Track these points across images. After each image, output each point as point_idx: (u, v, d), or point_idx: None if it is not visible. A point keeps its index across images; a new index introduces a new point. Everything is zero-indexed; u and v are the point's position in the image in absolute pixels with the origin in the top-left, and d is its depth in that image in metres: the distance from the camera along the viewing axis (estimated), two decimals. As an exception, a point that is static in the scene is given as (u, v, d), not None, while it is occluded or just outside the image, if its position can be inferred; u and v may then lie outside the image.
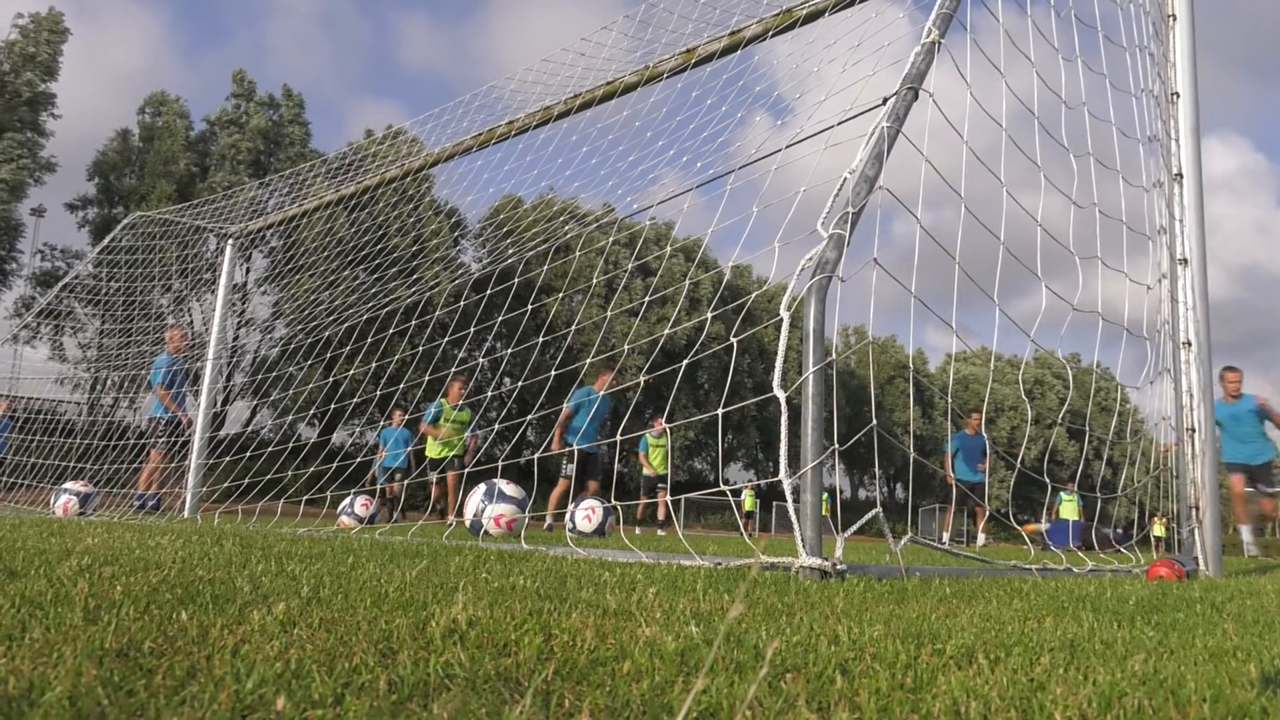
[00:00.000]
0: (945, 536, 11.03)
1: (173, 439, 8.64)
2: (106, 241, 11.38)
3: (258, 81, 36.51)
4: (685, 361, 4.27)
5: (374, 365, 8.51)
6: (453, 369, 9.82)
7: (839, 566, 2.57)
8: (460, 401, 9.92)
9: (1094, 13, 4.95)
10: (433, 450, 9.91)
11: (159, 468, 8.50)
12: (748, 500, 27.18)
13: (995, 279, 3.78)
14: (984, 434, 10.99)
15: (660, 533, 11.32)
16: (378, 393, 9.03)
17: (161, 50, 78.81)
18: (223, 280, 10.75)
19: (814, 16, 6.00)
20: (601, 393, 8.92)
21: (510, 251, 8.85)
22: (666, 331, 7.02)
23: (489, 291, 7.08)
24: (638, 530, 11.39)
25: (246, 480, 7.09)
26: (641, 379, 5.19)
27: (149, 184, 31.83)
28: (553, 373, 5.26)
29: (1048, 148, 4.49)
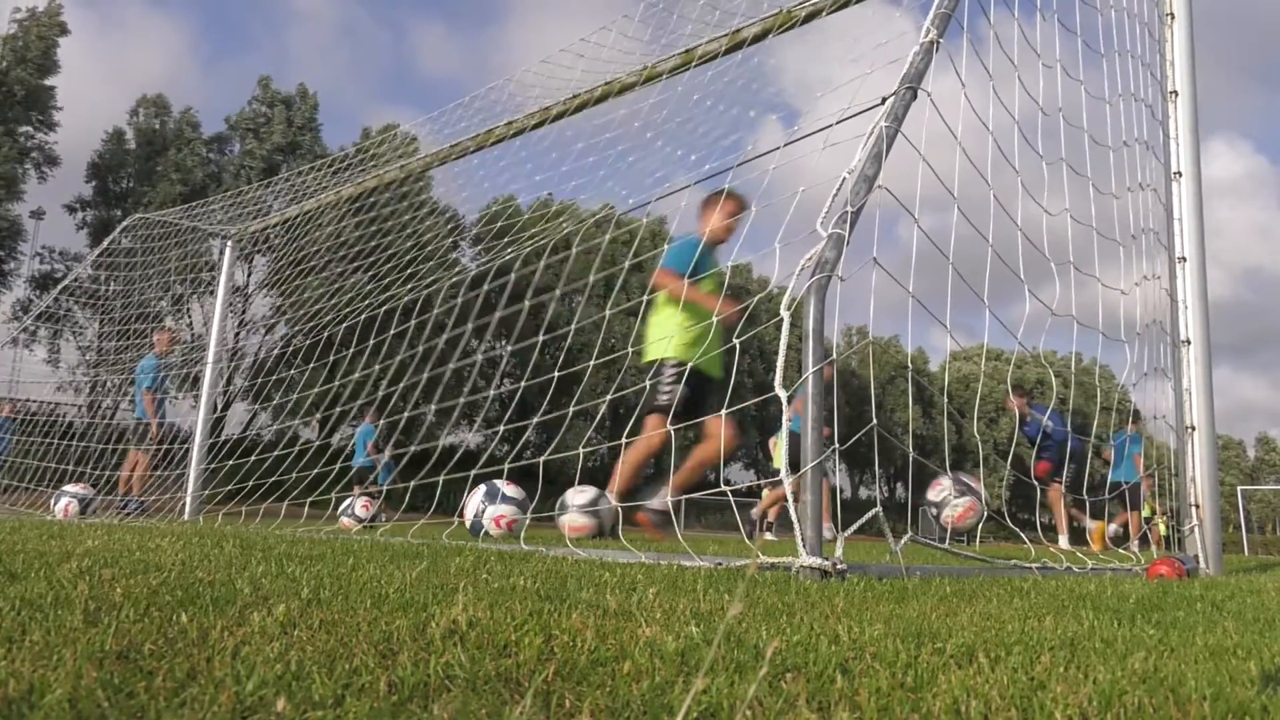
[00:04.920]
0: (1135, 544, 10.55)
1: (148, 443, 8.63)
2: (106, 243, 11.38)
3: (279, 90, 36.45)
4: (691, 364, 4.27)
5: (376, 367, 8.46)
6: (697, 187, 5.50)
7: (839, 566, 2.57)
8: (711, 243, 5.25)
9: (1096, 18, 4.98)
10: (679, 348, 5.07)
11: (145, 474, 8.50)
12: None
13: (985, 281, 3.79)
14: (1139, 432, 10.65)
15: (770, 536, 9.71)
16: (380, 394, 9.00)
17: (185, 59, 79.54)
18: (222, 282, 10.75)
19: (813, 16, 6.01)
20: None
21: (509, 252, 8.85)
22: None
23: (485, 288, 7.07)
24: (770, 535, 9.77)
25: (249, 483, 7.09)
26: (648, 382, 5.17)
27: (160, 189, 31.84)
28: (555, 374, 5.26)
29: (1053, 150, 4.51)
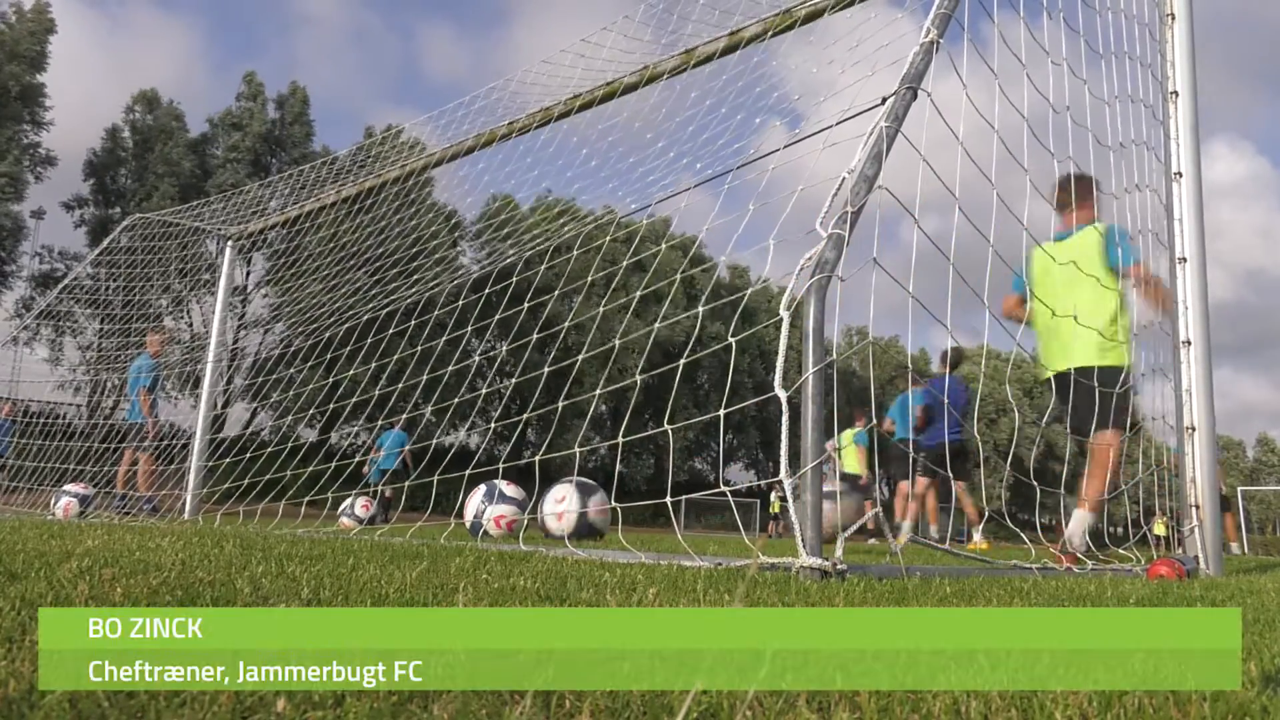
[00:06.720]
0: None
1: (148, 443, 8.63)
2: (106, 243, 11.38)
3: (261, 82, 36.65)
4: (683, 361, 4.27)
5: (374, 366, 8.43)
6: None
7: (839, 566, 2.57)
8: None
9: (1095, 19, 4.98)
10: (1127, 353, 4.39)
11: (151, 470, 8.50)
12: (775, 502, 26.88)
13: (986, 281, 3.79)
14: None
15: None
16: (377, 393, 9.02)
17: (195, 63, 79.72)
18: (222, 282, 10.74)
19: (813, 16, 6.01)
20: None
21: (509, 252, 8.83)
22: (657, 325, 6.79)
23: (487, 291, 7.07)
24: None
25: (247, 481, 7.08)
26: (638, 378, 5.19)
27: (152, 184, 31.90)
28: (547, 369, 5.26)
29: (1047, 154, 4.50)
